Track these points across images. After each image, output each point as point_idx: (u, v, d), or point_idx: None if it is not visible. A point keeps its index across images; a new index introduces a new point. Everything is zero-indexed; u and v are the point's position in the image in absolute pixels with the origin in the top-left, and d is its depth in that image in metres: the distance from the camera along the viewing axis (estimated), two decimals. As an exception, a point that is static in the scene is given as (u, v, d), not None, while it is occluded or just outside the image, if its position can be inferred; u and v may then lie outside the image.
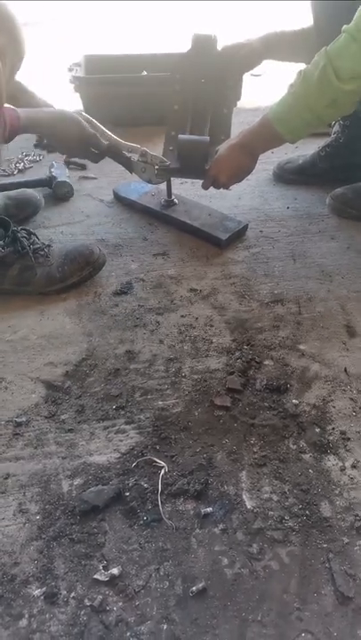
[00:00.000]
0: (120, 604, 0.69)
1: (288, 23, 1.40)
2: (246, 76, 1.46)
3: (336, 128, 1.49)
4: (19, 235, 1.15)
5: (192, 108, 1.34)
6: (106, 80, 1.78)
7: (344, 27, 1.02)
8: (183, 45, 1.35)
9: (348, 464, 0.85)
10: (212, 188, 1.29)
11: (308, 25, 1.35)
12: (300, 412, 0.92)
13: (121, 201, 1.50)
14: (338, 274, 1.25)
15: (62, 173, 1.53)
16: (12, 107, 1.06)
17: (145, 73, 1.86)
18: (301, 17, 1.34)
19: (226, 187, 1.27)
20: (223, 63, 1.32)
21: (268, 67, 1.54)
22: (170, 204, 1.43)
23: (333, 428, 0.90)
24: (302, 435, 0.89)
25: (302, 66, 1.11)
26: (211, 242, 1.34)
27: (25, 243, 1.15)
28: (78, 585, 0.71)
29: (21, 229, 1.18)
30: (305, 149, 1.60)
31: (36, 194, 1.41)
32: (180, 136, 1.27)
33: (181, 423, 0.91)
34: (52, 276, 1.17)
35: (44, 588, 0.70)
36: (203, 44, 1.30)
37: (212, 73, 1.32)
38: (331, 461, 0.85)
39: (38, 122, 1.14)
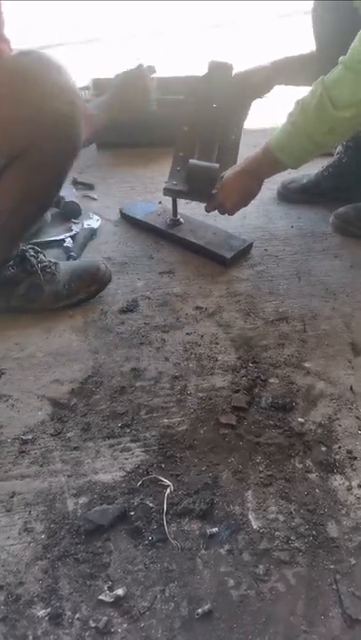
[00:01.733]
0: (125, 625, 0.68)
1: (295, 45, 1.44)
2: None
3: (339, 149, 1.52)
4: (27, 254, 1.17)
5: (201, 132, 1.38)
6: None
7: (340, 58, 1.05)
8: (188, 70, 1.39)
9: (354, 483, 0.84)
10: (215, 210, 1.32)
11: (314, 49, 1.38)
12: (305, 431, 0.92)
13: (127, 220, 1.52)
14: (342, 292, 1.25)
15: (70, 194, 1.55)
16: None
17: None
18: (307, 38, 1.37)
19: (231, 213, 1.29)
20: (235, 90, 1.36)
21: (274, 88, 1.58)
22: (175, 223, 1.45)
23: (340, 447, 0.89)
24: (308, 454, 0.89)
25: (308, 87, 1.14)
26: (216, 260, 1.35)
27: (33, 261, 1.17)
28: (83, 606, 0.70)
29: (29, 248, 1.20)
30: (309, 169, 1.62)
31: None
32: (191, 160, 1.30)
33: (187, 441, 0.91)
34: (59, 293, 1.18)
35: (48, 609, 0.70)
36: (219, 71, 1.34)
37: (224, 99, 1.36)
38: (337, 481, 0.84)
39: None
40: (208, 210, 1.31)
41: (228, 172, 1.25)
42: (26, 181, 1.02)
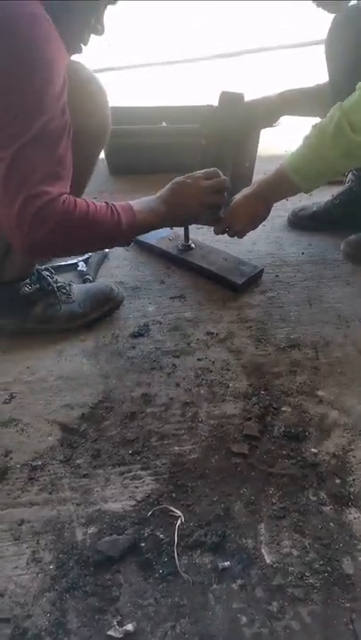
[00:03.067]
0: (134, 663, 0.66)
1: (303, 75, 1.47)
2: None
3: (350, 177, 1.53)
4: (44, 273, 1.19)
5: (215, 160, 1.40)
6: (127, 131, 1.86)
7: (359, 84, 1.07)
8: (200, 98, 1.42)
9: (370, 518, 0.82)
10: (225, 235, 1.32)
11: (323, 81, 1.41)
12: (319, 462, 0.91)
13: (139, 245, 1.53)
14: (354, 319, 1.25)
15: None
16: (130, 204, 1.01)
17: (164, 124, 1.94)
18: (314, 68, 1.40)
19: (241, 235, 1.30)
20: (245, 119, 1.38)
21: (284, 117, 1.61)
22: (187, 248, 1.46)
23: (354, 480, 0.88)
24: (322, 485, 0.87)
25: (317, 119, 1.16)
26: (227, 286, 1.36)
27: (50, 280, 1.18)
28: (91, 641, 0.68)
29: (45, 269, 1.21)
30: (319, 197, 1.64)
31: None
32: None
33: (198, 470, 0.90)
34: (75, 312, 1.20)
35: (56, 644, 0.68)
36: (230, 102, 1.37)
37: (236, 129, 1.39)
38: (352, 514, 0.83)
39: (152, 222, 1.06)
40: (217, 232, 1.31)
41: (238, 196, 1.26)
42: None
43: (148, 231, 1.09)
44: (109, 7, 0.94)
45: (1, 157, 0.81)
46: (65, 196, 0.88)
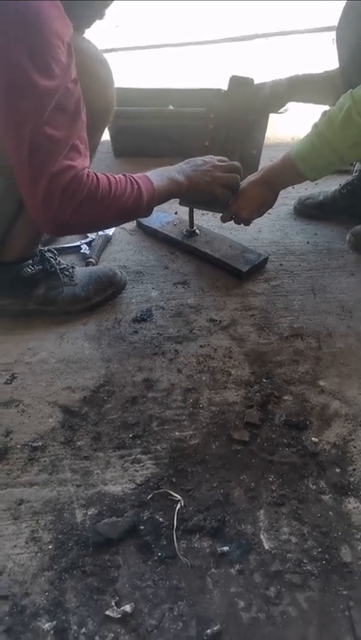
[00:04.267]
0: (132, 644, 0.67)
1: (312, 62, 1.44)
2: (270, 115, 1.50)
3: (357, 166, 1.51)
4: (47, 255, 1.17)
5: (222, 146, 1.38)
6: (133, 113, 1.83)
7: None
8: (203, 82, 1.39)
9: (369, 507, 0.82)
10: (231, 222, 1.31)
11: (333, 68, 1.39)
12: (319, 451, 0.91)
13: (143, 229, 1.52)
14: (358, 310, 1.24)
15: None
16: (146, 175, 1.00)
17: (171, 107, 1.91)
18: (325, 56, 1.38)
19: (247, 222, 1.28)
20: (254, 104, 1.36)
21: (291, 104, 1.58)
22: (191, 234, 1.44)
23: (354, 469, 0.88)
24: (322, 474, 0.87)
25: (327, 107, 1.14)
26: (231, 273, 1.35)
27: (53, 262, 1.17)
28: (89, 621, 0.69)
29: (48, 250, 1.20)
30: (326, 186, 1.62)
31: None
32: None
33: (199, 456, 0.90)
34: (77, 295, 1.19)
35: (54, 622, 0.68)
36: (240, 87, 1.35)
37: (244, 114, 1.36)
38: (351, 504, 0.83)
39: (170, 190, 1.06)
40: (224, 220, 1.30)
41: (245, 183, 1.25)
42: None
43: (166, 200, 1.08)
44: None
45: (21, 136, 0.79)
46: (87, 169, 0.87)
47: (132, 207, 0.96)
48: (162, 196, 1.04)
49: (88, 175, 0.87)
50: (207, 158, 1.15)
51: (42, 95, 0.78)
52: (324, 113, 1.11)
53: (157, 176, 1.03)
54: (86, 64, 0.96)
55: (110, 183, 0.91)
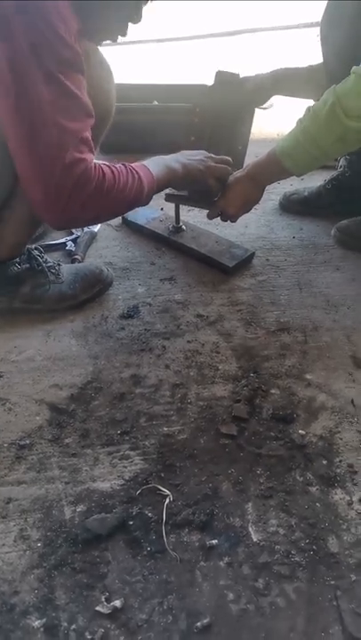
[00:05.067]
0: (122, 638, 0.67)
1: (297, 57, 1.45)
2: (256, 111, 1.51)
3: (342, 162, 1.53)
4: (33, 252, 1.17)
5: (208, 141, 1.38)
6: (119, 109, 1.82)
7: (353, 68, 1.05)
8: (194, 76, 1.39)
9: (355, 498, 0.83)
10: (217, 218, 1.31)
11: (317, 63, 1.40)
12: (306, 443, 0.92)
13: (129, 225, 1.52)
14: (343, 304, 1.26)
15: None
16: (144, 165, 1.01)
17: (156, 103, 1.90)
18: (310, 51, 1.38)
19: (234, 219, 1.29)
20: (239, 98, 1.36)
21: (276, 99, 1.59)
22: (178, 230, 1.44)
23: (340, 461, 0.89)
24: (309, 466, 0.88)
25: (311, 102, 1.15)
26: (218, 268, 1.35)
27: (40, 260, 1.16)
28: (79, 617, 0.69)
29: (34, 248, 1.19)
30: (311, 181, 1.63)
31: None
32: None
33: (187, 451, 0.90)
34: (64, 293, 1.18)
35: (44, 619, 0.68)
36: (225, 82, 1.35)
37: (230, 109, 1.37)
38: (338, 495, 0.84)
39: (168, 179, 1.07)
40: (210, 216, 1.30)
41: (231, 179, 1.25)
42: None
43: (164, 189, 1.10)
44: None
45: (34, 126, 0.79)
46: (94, 161, 0.87)
47: (134, 198, 0.97)
48: (160, 185, 1.05)
49: (95, 168, 0.87)
50: (200, 151, 1.17)
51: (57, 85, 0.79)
52: (309, 109, 1.11)
53: (155, 165, 1.04)
54: (92, 69, 0.96)
55: (114, 175, 0.91)
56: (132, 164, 0.98)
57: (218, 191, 1.22)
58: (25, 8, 0.74)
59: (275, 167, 1.17)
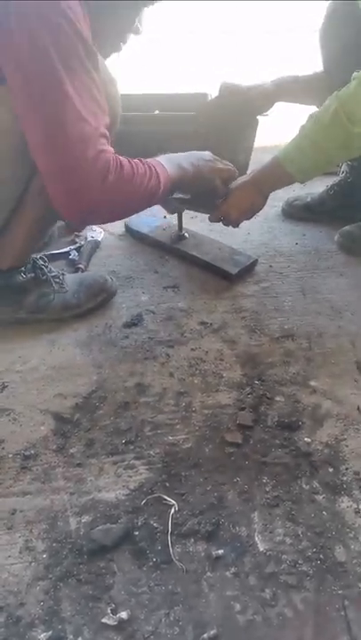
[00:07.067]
0: (128, 651, 0.66)
1: (301, 65, 1.46)
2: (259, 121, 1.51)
3: (344, 168, 1.53)
4: (38, 262, 1.17)
5: (211, 150, 1.38)
6: (123, 119, 1.83)
7: (354, 74, 1.06)
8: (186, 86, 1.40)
9: (362, 506, 0.83)
10: (219, 223, 1.31)
11: (320, 69, 1.40)
12: (312, 451, 0.91)
13: (132, 234, 1.52)
14: (347, 310, 1.25)
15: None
16: (158, 161, 1.02)
17: (157, 112, 1.91)
18: (314, 58, 1.39)
19: (236, 224, 1.29)
20: (242, 106, 1.37)
21: (277, 107, 1.59)
22: (180, 237, 1.45)
23: (347, 469, 0.88)
24: (315, 474, 0.87)
25: (313, 109, 1.15)
26: (221, 276, 1.35)
27: (44, 270, 1.17)
28: (85, 629, 0.68)
29: (39, 257, 1.20)
30: (313, 187, 1.63)
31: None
32: None
33: (192, 460, 0.90)
34: (69, 302, 1.19)
35: (50, 632, 0.68)
36: (230, 92, 1.35)
37: (235, 119, 1.37)
38: (345, 503, 0.83)
39: (180, 178, 1.07)
40: (212, 220, 1.30)
41: (234, 185, 1.25)
42: None
43: (175, 188, 1.09)
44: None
45: (60, 122, 0.81)
46: (113, 153, 0.89)
47: (151, 192, 0.97)
48: (174, 182, 1.05)
49: (115, 159, 0.89)
50: (207, 152, 1.18)
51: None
52: (311, 115, 1.12)
53: (168, 161, 1.05)
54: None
55: (132, 166, 0.93)
56: (147, 160, 0.99)
57: (222, 194, 1.22)
58: (44, 6, 0.77)
59: (278, 174, 1.17)
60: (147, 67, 2.94)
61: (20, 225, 1.06)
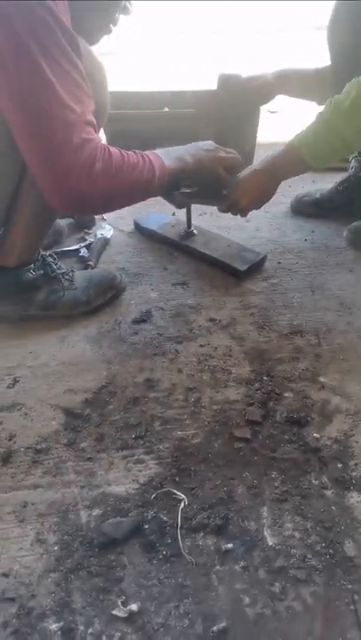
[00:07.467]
0: (139, 642, 0.67)
1: (305, 60, 1.45)
2: (263, 113, 1.51)
3: (354, 164, 1.52)
4: (47, 259, 1.18)
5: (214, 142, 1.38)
6: (130, 116, 1.83)
7: None
8: (193, 81, 1.40)
9: (371, 501, 0.83)
10: (229, 217, 1.30)
11: (323, 66, 1.39)
12: (321, 447, 0.91)
13: (141, 231, 1.53)
14: (357, 306, 1.25)
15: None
16: (155, 153, 1.02)
17: (167, 109, 1.91)
18: (318, 54, 1.38)
19: (244, 212, 1.27)
20: (243, 97, 1.36)
21: (285, 103, 1.59)
22: (189, 234, 1.45)
23: (356, 464, 0.88)
24: (324, 470, 0.87)
25: (314, 103, 1.14)
26: (230, 272, 1.35)
27: (54, 267, 1.18)
28: (96, 620, 0.69)
29: (48, 254, 1.20)
30: (322, 183, 1.63)
31: (59, 222, 1.45)
32: None
33: (201, 454, 0.90)
34: (78, 299, 1.19)
35: (61, 623, 0.69)
36: (229, 83, 1.35)
37: (236, 110, 1.37)
38: (354, 498, 0.83)
39: (181, 169, 1.07)
40: (221, 209, 1.28)
41: (245, 171, 1.22)
42: None
43: (175, 179, 1.08)
44: None
45: (42, 108, 0.80)
46: (100, 141, 0.89)
47: (145, 181, 0.97)
48: (172, 173, 1.04)
49: (102, 147, 0.88)
50: (210, 142, 1.17)
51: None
52: (330, 101, 1.10)
53: (165, 153, 1.04)
54: (88, 73, 0.97)
55: (122, 155, 0.92)
56: (142, 151, 0.99)
57: (227, 183, 1.21)
58: None
59: (293, 160, 1.15)
60: (137, 66, 2.95)
61: (18, 221, 1.06)
